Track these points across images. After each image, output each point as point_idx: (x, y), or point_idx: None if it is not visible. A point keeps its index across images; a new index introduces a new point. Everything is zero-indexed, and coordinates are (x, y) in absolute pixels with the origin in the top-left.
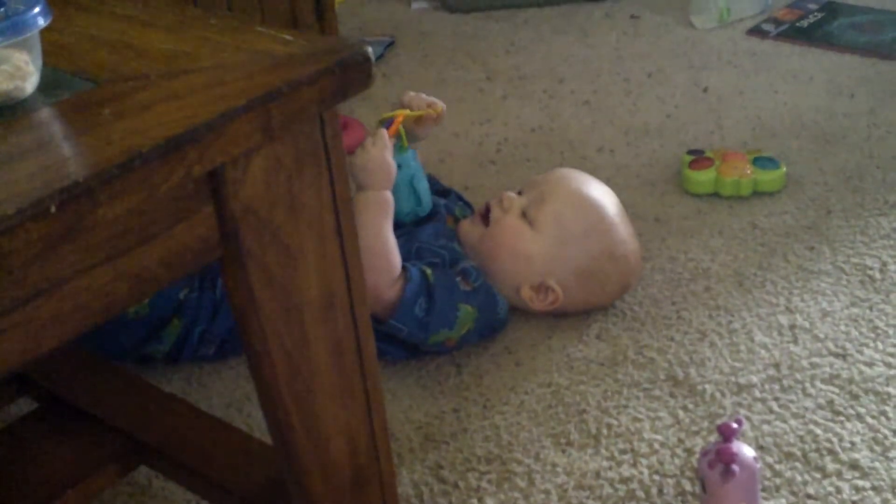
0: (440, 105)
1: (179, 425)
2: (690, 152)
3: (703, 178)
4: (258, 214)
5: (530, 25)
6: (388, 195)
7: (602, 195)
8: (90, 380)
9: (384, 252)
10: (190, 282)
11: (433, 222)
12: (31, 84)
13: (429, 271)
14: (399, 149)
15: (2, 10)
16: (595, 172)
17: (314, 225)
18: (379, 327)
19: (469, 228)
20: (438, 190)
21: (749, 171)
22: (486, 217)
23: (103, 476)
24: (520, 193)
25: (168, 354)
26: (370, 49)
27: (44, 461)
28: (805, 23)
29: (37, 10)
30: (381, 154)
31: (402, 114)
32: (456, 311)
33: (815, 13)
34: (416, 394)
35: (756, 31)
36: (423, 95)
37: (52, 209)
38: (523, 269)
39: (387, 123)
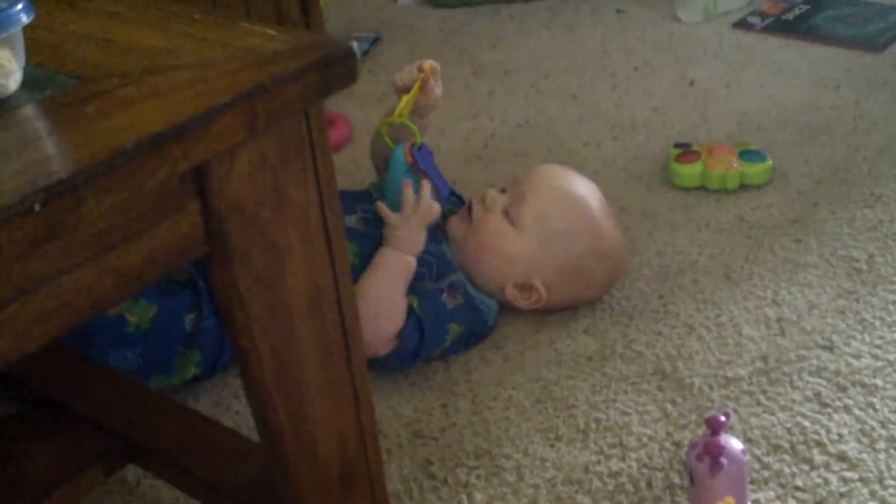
0: (427, 64)
1: (167, 423)
2: (677, 146)
3: (689, 171)
4: (244, 211)
5: (516, 20)
6: (414, 262)
7: (584, 191)
8: (76, 379)
9: (392, 313)
10: (194, 307)
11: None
12: (14, 81)
13: (415, 303)
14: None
15: None
16: (582, 167)
17: (300, 221)
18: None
19: (457, 226)
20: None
21: (736, 165)
22: (470, 214)
23: (91, 475)
24: (503, 191)
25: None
26: (355, 44)
27: (30, 461)
28: (791, 15)
29: (19, 6)
30: (420, 227)
31: (403, 106)
32: (445, 332)
33: (801, 6)
34: (404, 389)
35: (742, 25)
36: (408, 67)
37: (37, 207)
38: (507, 268)
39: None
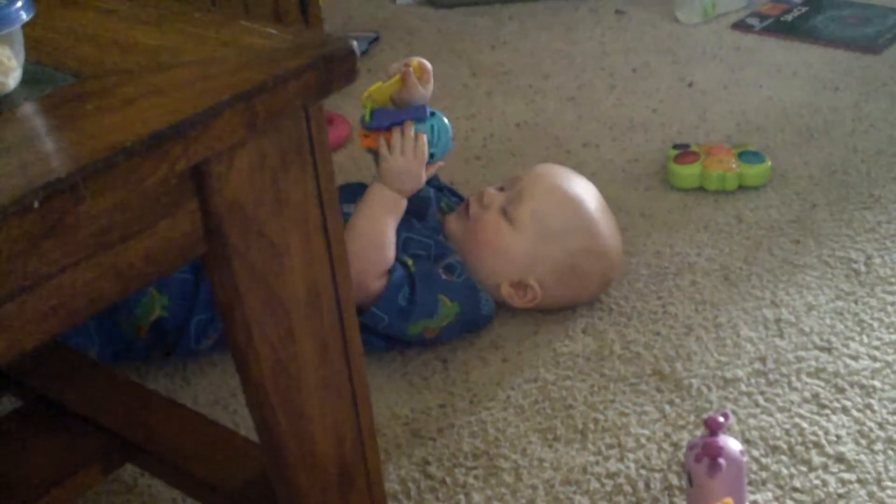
0: (415, 61)
1: (165, 423)
2: (676, 147)
3: (688, 172)
4: (243, 210)
5: (515, 21)
6: (405, 202)
7: (582, 191)
8: (75, 378)
9: (382, 245)
10: None
11: (423, 214)
12: (13, 79)
13: (410, 262)
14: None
15: None
16: (580, 167)
17: (299, 220)
18: (359, 318)
19: (454, 223)
20: (434, 185)
21: (734, 166)
22: (468, 212)
23: (88, 474)
24: (501, 189)
25: (161, 344)
26: (355, 43)
27: (28, 459)
28: (790, 17)
29: (19, 4)
30: (418, 165)
31: (374, 89)
32: (436, 302)
33: (800, 7)
34: (402, 389)
35: (741, 26)
36: (400, 60)
37: (36, 205)
38: (503, 266)
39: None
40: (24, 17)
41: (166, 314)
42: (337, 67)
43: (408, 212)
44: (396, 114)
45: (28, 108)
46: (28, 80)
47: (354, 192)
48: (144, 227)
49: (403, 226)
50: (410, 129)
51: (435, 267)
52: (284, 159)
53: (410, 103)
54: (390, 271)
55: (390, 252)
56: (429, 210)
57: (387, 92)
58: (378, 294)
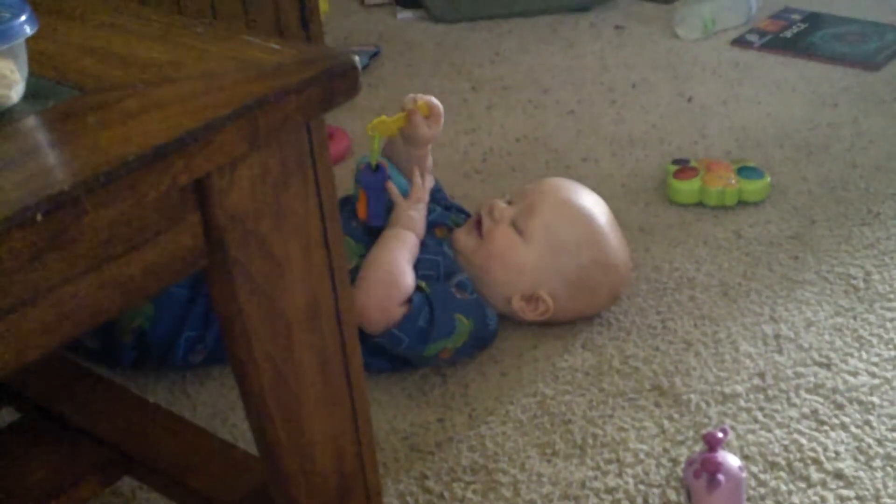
0: (422, 100)
1: (163, 435)
2: (675, 162)
3: (687, 187)
4: (244, 223)
5: (515, 36)
6: (418, 241)
7: (592, 205)
8: (73, 390)
9: (402, 274)
10: None
11: (428, 233)
12: (16, 92)
13: (423, 284)
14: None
15: None
16: (580, 182)
17: (300, 234)
18: (377, 339)
19: (463, 239)
20: (442, 204)
21: (734, 181)
22: (480, 227)
23: (86, 487)
24: (509, 202)
25: (147, 358)
26: (357, 59)
27: (26, 472)
28: (789, 33)
29: (23, 18)
30: (421, 208)
31: (376, 123)
32: (453, 321)
33: (799, 24)
34: (401, 403)
35: (740, 42)
36: (413, 96)
37: (38, 218)
38: (514, 279)
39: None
40: (28, 30)
41: (148, 325)
42: (339, 82)
43: None
44: (377, 191)
45: (31, 122)
46: (31, 93)
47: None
48: (146, 240)
49: None
50: (394, 189)
51: (447, 287)
52: (286, 173)
53: (415, 139)
54: (411, 297)
55: (411, 281)
56: (431, 227)
57: (392, 127)
58: (401, 319)
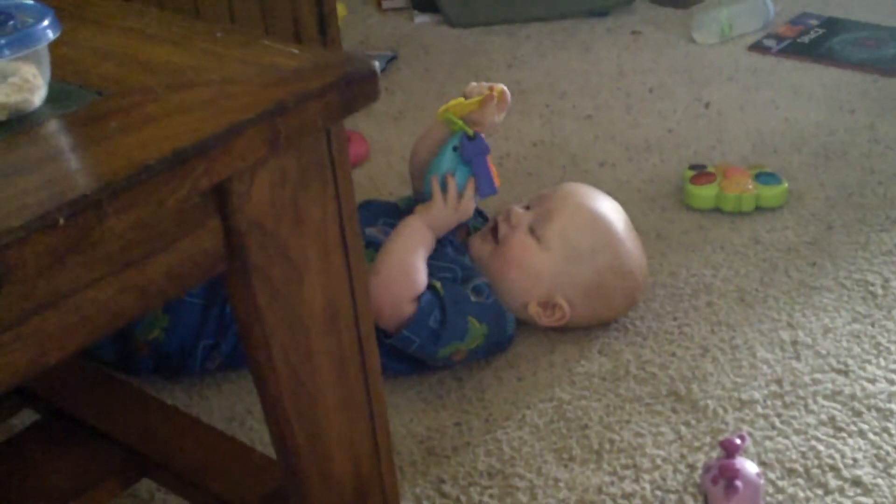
0: (499, 87)
1: (181, 438)
2: (692, 167)
3: (704, 193)
4: (264, 228)
5: (532, 40)
6: (434, 240)
7: (609, 211)
8: (92, 392)
9: (415, 271)
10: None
11: (448, 236)
12: (38, 97)
13: (438, 285)
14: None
15: (11, 23)
16: (596, 187)
17: (319, 239)
18: (389, 340)
19: (480, 244)
20: None
21: (751, 187)
22: (495, 232)
23: (105, 489)
24: (527, 208)
25: (164, 368)
26: (377, 64)
27: (45, 474)
28: (806, 39)
29: (45, 23)
30: (456, 219)
31: (453, 104)
32: (466, 324)
33: (816, 29)
34: (417, 407)
35: (757, 47)
36: (481, 84)
37: (60, 221)
38: (531, 285)
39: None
40: (51, 35)
41: (164, 337)
42: (358, 88)
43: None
44: (483, 164)
45: (53, 126)
46: (53, 97)
47: (374, 212)
48: (167, 244)
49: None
50: (470, 189)
51: (463, 290)
52: (305, 178)
53: (482, 125)
54: (421, 295)
55: (423, 277)
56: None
57: (466, 109)
58: (410, 317)
